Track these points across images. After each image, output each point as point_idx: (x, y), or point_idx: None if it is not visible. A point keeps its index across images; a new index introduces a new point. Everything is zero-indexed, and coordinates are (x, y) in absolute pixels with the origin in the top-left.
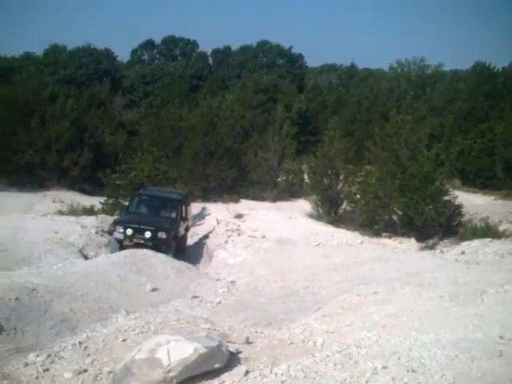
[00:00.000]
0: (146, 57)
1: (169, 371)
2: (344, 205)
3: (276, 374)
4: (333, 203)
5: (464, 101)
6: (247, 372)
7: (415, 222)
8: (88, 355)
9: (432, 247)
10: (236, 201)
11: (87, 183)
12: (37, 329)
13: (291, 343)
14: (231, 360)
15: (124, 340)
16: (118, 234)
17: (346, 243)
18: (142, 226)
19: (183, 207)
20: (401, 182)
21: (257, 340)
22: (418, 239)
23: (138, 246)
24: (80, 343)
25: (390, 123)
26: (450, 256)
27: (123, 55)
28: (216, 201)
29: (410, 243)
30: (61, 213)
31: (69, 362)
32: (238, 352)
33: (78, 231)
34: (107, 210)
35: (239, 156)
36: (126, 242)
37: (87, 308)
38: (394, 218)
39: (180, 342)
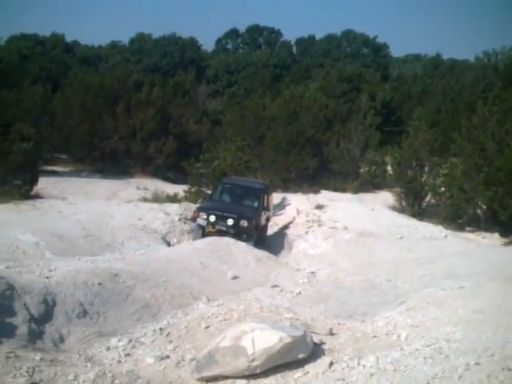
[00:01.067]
0: (230, 46)
1: (253, 360)
2: (428, 197)
3: (364, 366)
4: (416, 196)
5: None
6: (332, 363)
7: (500, 216)
8: (170, 342)
9: None
10: (316, 191)
11: (171, 171)
12: (119, 314)
13: (375, 336)
14: (315, 351)
15: (207, 327)
16: (201, 220)
17: (429, 237)
18: (225, 214)
19: (265, 197)
20: (486, 175)
21: (340, 332)
22: (503, 234)
23: (220, 233)
24: (161, 329)
25: (476, 114)
26: None
27: (208, 44)
28: (296, 191)
29: (494, 238)
30: (144, 200)
31: (151, 347)
32: (322, 343)
33: (162, 218)
34: (190, 198)
35: (321, 146)
36: (209, 229)
37: (169, 294)
38: (478, 212)
39: (265, 330)
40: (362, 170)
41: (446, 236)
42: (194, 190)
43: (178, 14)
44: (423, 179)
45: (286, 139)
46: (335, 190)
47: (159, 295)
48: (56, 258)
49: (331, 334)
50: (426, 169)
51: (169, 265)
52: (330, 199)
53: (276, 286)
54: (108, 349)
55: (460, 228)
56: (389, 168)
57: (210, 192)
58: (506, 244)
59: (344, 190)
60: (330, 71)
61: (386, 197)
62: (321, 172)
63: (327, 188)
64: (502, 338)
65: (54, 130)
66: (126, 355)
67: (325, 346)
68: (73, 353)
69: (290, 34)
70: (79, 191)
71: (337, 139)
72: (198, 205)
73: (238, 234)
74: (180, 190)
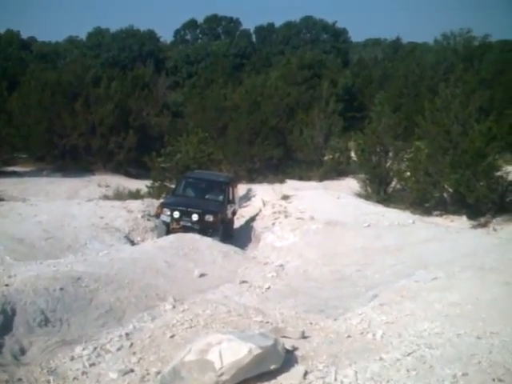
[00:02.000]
0: (189, 37)
1: (221, 374)
2: (393, 183)
3: (342, 382)
4: (382, 181)
5: None
6: (306, 373)
7: (467, 199)
8: (134, 353)
9: (484, 225)
10: (282, 181)
11: (132, 167)
12: (82, 320)
13: (349, 336)
14: (287, 359)
15: (172, 336)
16: (165, 216)
17: (397, 223)
18: (189, 209)
19: (230, 190)
20: (452, 158)
21: (312, 333)
22: (470, 217)
23: (184, 229)
24: (127, 334)
25: (439, 97)
26: (504, 234)
27: (166, 36)
28: (261, 182)
29: (462, 221)
30: (106, 197)
31: (115, 359)
32: (295, 349)
33: (124, 216)
34: (153, 193)
35: (285, 135)
36: (173, 225)
37: (134, 296)
38: (445, 195)
39: (233, 341)
40: (326, 158)
41: (413, 222)
42: (156, 184)
43: (136, 7)
44: (388, 164)
45: (248, 129)
46: (300, 178)
47: (124, 298)
48: (16, 262)
49: (303, 337)
50: (391, 154)
51: (133, 265)
52: (296, 188)
53: (244, 281)
54: (72, 358)
55: (427, 212)
56: (353, 154)
57: (173, 186)
58: (474, 226)
59: (309, 179)
60: (291, 59)
61: (351, 183)
62: (285, 161)
63: (292, 177)
64: (483, 334)
65: (12, 129)
66: (91, 365)
67: (298, 353)
68: (35, 366)
69: (249, 23)
70: (40, 191)
71: (300, 127)
72: (161, 200)
73: (203, 229)
74: (142, 185)
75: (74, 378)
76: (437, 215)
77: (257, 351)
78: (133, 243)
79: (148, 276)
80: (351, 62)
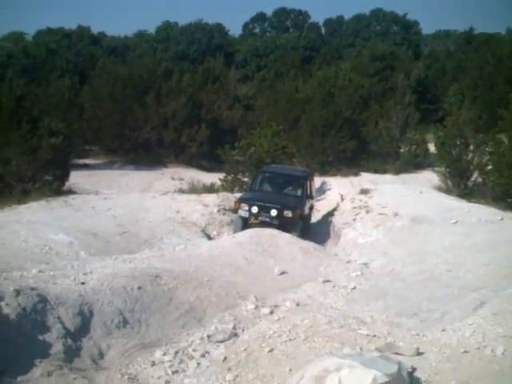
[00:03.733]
0: (257, 30)
1: None
2: (474, 177)
3: None
4: (462, 175)
5: None
6: None
7: None
8: (229, 369)
9: None
10: (356, 174)
11: (205, 159)
12: (161, 320)
13: (465, 352)
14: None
15: (270, 351)
16: (243, 211)
17: (485, 220)
18: (267, 204)
19: (308, 185)
20: None
21: (423, 347)
22: None
23: (262, 224)
24: (208, 337)
25: None
26: None
27: (235, 29)
28: (334, 174)
29: None
30: (181, 191)
31: (207, 375)
32: (413, 369)
33: (200, 210)
34: (227, 186)
35: (358, 127)
36: (251, 220)
37: (214, 295)
38: None
39: (354, 368)
40: (402, 150)
41: (502, 219)
42: (230, 178)
43: (204, 1)
44: (468, 158)
45: (322, 121)
46: (375, 171)
47: (204, 297)
48: (91, 257)
49: (418, 353)
50: (471, 147)
51: (211, 262)
52: (372, 181)
53: (328, 280)
54: (153, 364)
55: (510, 208)
56: (430, 147)
57: (246, 180)
58: None
59: (384, 172)
60: (362, 51)
61: (429, 177)
62: (359, 154)
63: (367, 170)
64: None
65: (83, 122)
66: (174, 372)
67: (419, 375)
68: (114, 371)
69: (318, 16)
70: (112, 184)
71: (375, 119)
72: (235, 194)
73: (282, 224)
74: (215, 178)
75: None
76: None
77: (382, 379)
78: (209, 237)
79: (227, 273)
80: (422, 54)
